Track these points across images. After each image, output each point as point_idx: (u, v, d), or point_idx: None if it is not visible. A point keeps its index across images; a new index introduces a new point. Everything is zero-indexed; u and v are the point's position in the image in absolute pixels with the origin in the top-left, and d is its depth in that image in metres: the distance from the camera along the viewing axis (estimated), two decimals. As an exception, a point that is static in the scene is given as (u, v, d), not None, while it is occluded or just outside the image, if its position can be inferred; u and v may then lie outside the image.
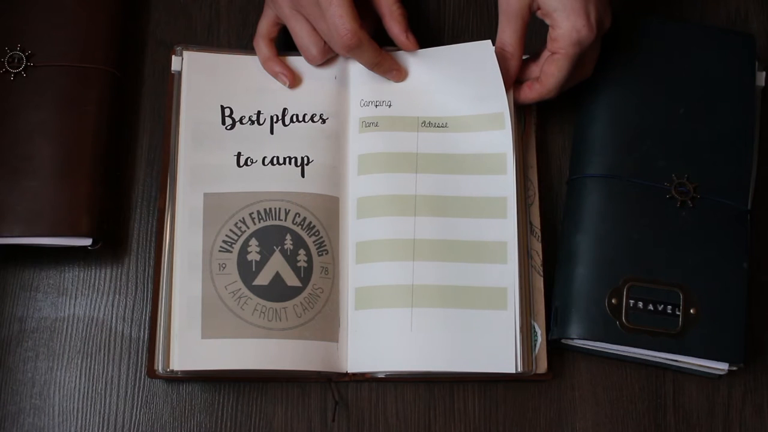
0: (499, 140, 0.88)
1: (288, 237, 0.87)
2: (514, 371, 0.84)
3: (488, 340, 0.85)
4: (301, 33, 0.89)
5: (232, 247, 0.87)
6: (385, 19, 0.89)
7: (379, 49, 0.88)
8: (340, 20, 0.84)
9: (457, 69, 0.90)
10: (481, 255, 0.87)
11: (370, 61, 0.88)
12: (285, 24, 0.90)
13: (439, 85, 0.90)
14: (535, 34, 0.90)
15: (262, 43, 0.91)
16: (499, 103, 0.88)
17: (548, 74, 0.87)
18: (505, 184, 0.88)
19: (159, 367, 0.85)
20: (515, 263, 0.87)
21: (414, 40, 0.89)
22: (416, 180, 0.89)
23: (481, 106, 0.89)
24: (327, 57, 0.90)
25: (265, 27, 0.91)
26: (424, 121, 0.90)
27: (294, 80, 0.92)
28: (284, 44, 0.92)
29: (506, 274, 0.86)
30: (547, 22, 0.86)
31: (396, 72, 0.90)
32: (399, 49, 0.91)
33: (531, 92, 0.89)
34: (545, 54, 0.88)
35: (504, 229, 0.87)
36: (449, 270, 0.86)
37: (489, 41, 0.87)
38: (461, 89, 0.90)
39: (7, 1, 0.90)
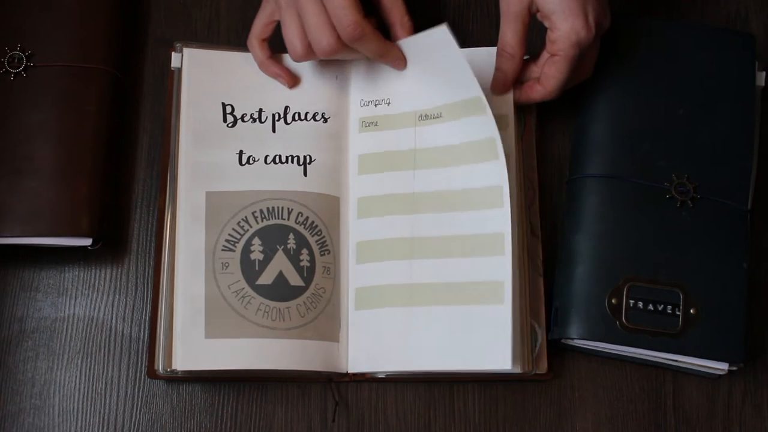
0: (484, 126, 0.86)
1: (291, 236, 0.87)
2: (509, 368, 0.83)
3: (485, 336, 0.83)
4: (290, 27, 0.87)
5: (235, 246, 0.86)
6: (395, 27, 0.89)
7: (383, 39, 0.88)
8: (342, 11, 0.83)
9: (430, 59, 0.88)
10: (478, 248, 0.86)
11: (375, 51, 0.87)
12: (280, 18, 0.88)
13: (428, 77, 0.90)
14: (536, 34, 0.90)
15: (255, 43, 0.90)
16: (472, 88, 0.85)
17: (548, 76, 0.87)
18: (497, 172, 0.85)
19: (159, 367, 0.84)
20: (511, 255, 0.85)
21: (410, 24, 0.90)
22: (414, 177, 0.88)
23: (459, 93, 0.87)
24: (311, 57, 0.87)
25: (258, 27, 0.90)
26: (421, 115, 0.90)
27: (293, 81, 0.92)
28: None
29: (503, 267, 0.84)
30: (546, 24, 0.86)
31: (399, 61, 0.89)
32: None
33: (532, 93, 0.89)
34: (545, 55, 0.88)
35: (500, 219, 0.85)
36: (447, 266, 0.86)
37: (443, 26, 0.84)
38: (438, 77, 0.89)
39: (7, 1, 0.90)
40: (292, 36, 0.87)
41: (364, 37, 0.85)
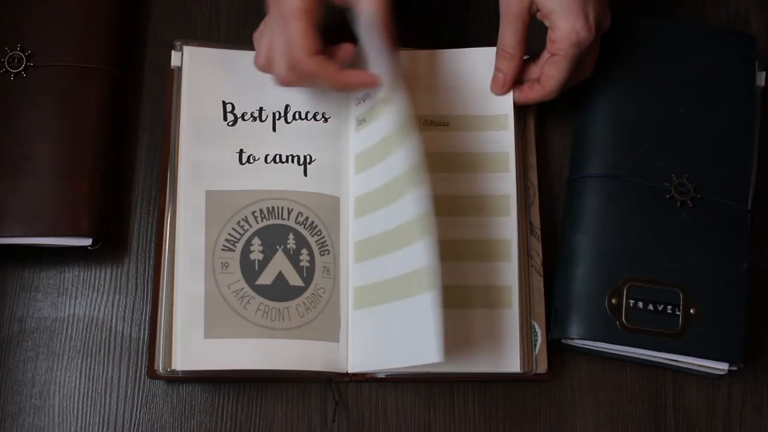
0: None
1: (291, 236, 0.87)
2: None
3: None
4: (260, 42, 0.87)
5: (235, 246, 0.86)
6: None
7: (339, 72, 0.85)
8: (290, 49, 0.82)
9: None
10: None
11: (331, 86, 0.86)
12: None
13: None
14: (536, 34, 0.90)
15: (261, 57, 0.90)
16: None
17: (548, 76, 0.87)
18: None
19: (160, 367, 0.84)
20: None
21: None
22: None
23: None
24: (266, 72, 0.87)
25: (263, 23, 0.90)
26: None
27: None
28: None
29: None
30: (546, 23, 0.86)
31: (368, 85, 0.86)
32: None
33: (531, 93, 0.89)
34: (545, 55, 0.88)
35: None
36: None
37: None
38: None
39: (7, 1, 0.90)
40: (257, 50, 0.87)
41: (314, 76, 0.83)
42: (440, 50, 0.93)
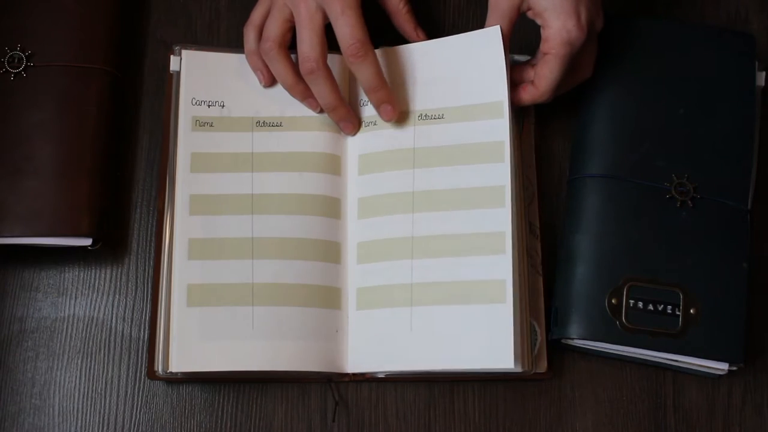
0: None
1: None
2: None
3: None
4: (273, 24, 0.88)
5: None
6: (394, 17, 0.90)
7: (381, 74, 0.87)
8: (349, 29, 0.84)
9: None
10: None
11: (369, 81, 0.87)
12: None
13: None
14: (534, 35, 0.90)
15: (251, 32, 0.90)
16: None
17: (540, 76, 0.87)
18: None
19: (159, 368, 0.84)
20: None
21: (423, 35, 0.91)
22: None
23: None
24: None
25: (257, 17, 0.90)
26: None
27: (271, 81, 0.91)
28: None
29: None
30: (538, 22, 0.86)
31: (391, 108, 0.89)
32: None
33: (525, 95, 0.89)
34: (539, 56, 0.88)
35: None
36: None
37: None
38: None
39: (7, 1, 0.90)
40: (271, 29, 0.88)
41: (367, 58, 0.86)
42: (433, 40, 0.92)
